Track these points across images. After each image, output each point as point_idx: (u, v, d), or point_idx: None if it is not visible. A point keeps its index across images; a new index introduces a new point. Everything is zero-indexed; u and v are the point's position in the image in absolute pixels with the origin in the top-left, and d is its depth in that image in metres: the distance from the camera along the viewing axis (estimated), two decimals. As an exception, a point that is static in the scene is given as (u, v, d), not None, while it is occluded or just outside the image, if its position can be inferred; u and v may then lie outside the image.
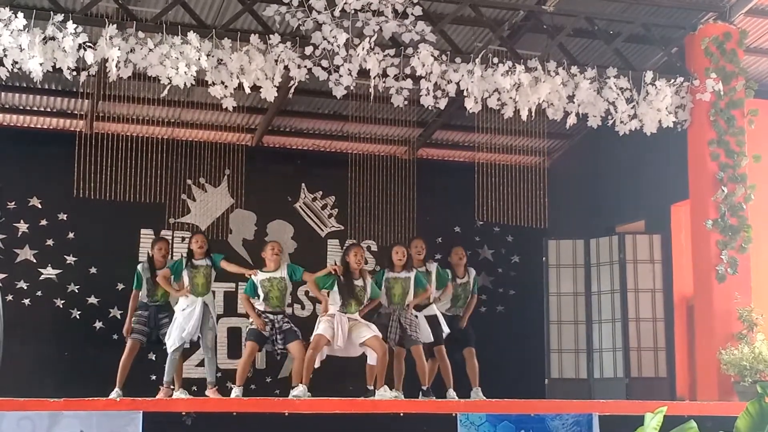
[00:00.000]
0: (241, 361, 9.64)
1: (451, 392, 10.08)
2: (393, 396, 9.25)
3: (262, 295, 9.60)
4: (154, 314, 10.07)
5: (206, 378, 9.94)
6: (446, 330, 10.09)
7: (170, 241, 10.94)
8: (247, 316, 10.08)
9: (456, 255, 10.69)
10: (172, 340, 9.77)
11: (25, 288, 11.85)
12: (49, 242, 12.04)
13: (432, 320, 10.04)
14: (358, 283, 9.55)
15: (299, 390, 9.18)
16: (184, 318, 9.77)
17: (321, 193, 13.14)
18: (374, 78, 9.56)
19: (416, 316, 9.87)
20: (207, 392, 9.77)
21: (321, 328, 9.42)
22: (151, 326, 10.07)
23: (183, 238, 12.28)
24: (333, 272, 9.57)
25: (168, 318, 10.02)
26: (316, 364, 9.38)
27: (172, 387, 9.83)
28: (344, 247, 10.03)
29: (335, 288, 9.52)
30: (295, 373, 9.46)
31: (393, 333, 9.69)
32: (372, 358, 9.43)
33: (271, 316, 9.59)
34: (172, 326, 9.82)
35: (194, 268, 9.86)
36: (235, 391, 9.43)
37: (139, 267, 10.27)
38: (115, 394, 9.68)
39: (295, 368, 9.50)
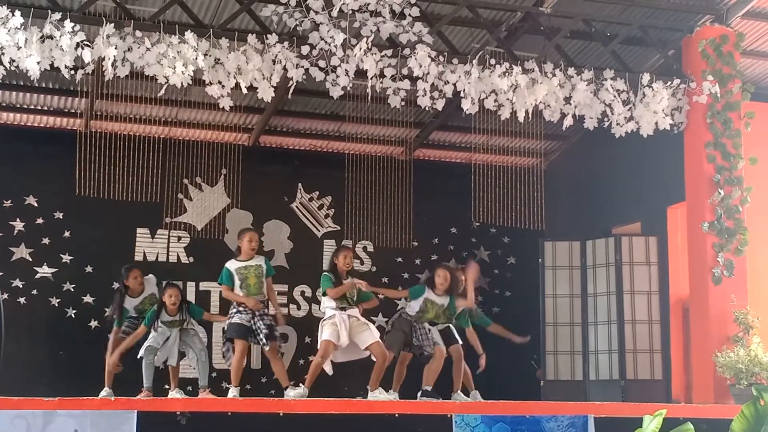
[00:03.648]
0: (234, 360, 9.49)
1: (460, 395, 10.04)
2: (386, 399, 9.19)
3: (238, 283, 9.49)
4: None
5: (199, 381, 9.88)
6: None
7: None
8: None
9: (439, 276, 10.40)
10: (143, 347, 9.71)
11: (21, 286, 11.85)
12: (45, 241, 12.04)
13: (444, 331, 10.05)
14: (346, 283, 9.49)
15: (297, 392, 9.17)
16: (156, 338, 9.71)
17: (317, 193, 13.14)
18: (371, 78, 9.55)
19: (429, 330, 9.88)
20: (200, 394, 9.67)
21: (327, 333, 9.33)
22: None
23: (179, 238, 12.29)
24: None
25: None
26: (329, 371, 9.35)
27: (166, 388, 9.84)
28: (335, 250, 9.96)
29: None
30: (279, 374, 9.49)
31: (417, 339, 9.65)
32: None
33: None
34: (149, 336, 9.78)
35: (167, 325, 9.71)
36: (232, 392, 9.40)
37: (117, 302, 10.05)
38: (106, 392, 9.68)
39: (277, 369, 9.53)
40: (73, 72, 8.93)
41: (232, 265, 9.61)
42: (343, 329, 9.29)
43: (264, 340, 9.40)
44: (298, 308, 12.73)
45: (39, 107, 12.18)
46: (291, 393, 9.19)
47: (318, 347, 9.47)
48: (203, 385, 9.72)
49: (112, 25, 8.94)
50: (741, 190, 10.23)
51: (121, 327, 10.03)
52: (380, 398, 9.12)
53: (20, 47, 8.66)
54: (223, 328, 9.66)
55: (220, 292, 10.86)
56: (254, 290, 9.52)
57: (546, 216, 11.72)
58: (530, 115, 10.00)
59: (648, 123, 10.25)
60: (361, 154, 12.26)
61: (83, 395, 8.16)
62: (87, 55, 8.80)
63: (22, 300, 11.82)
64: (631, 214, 12.17)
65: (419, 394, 9.56)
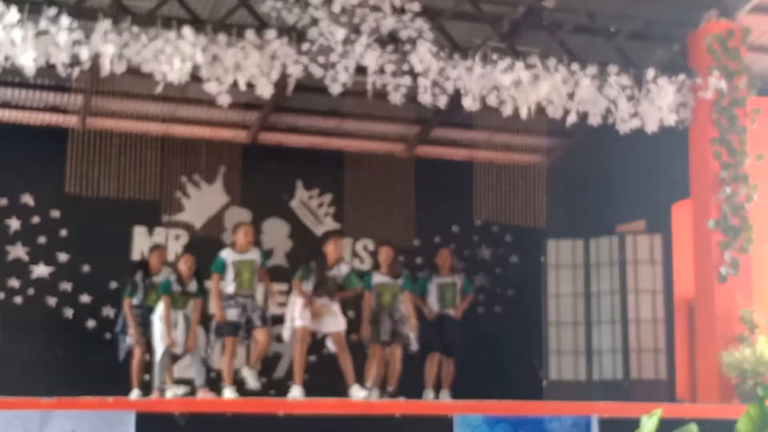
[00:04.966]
0: (224, 359, 9.51)
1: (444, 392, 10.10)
2: (364, 395, 9.24)
3: (232, 275, 9.48)
4: (146, 313, 10.03)
5: (196, 381, 9.82)
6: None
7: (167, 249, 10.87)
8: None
9: (441, 257, 10.73)
10: (158, 347, 9.74)
11: (17, 286, 11.78)
12: (41, 240, 11.97)
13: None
14: (332, 273, 9.52)
15: (295, 391, 9.18)
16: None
17: (317, 191, 13.07)
18: (371, 75, 9.46)
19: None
20: (199, 394, 9.63)
21: (300, 319, 9.37)
22: (145, 323, 10.02)
23: (177, 236, 12.21)
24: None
25: None
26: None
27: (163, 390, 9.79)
28: (324, 235, 10.00)
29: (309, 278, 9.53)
30: (257, 356, 9.56)
31: (385, 330, 9.72)
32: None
33: (241, 300, 9.48)
34: (154, 335, 9.78)
35: (180, 295, 9.78)
36: (228, 391, 9.34)
37: (137, 277, 10.18)
38: (137, 393, 9.73)
39: (258, 353, 9.56)
40: (69, 69, 8.83)
41: (228, 255, 9.60)
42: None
43: (243, 333, 9.47)
44: (298, 307, 12.63)
45: (35, 104, 12.10)
46: (290, 394, 9.18)
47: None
48: (200, 385, 9.67)
49: (109, 21, 8.84)
50: (747, 187, 10.14)
51: (132, 299, 10.09)
52: (359, 396, 9.15)
53: (15, 44, 8.55)
54: (217, 323, 9.59)
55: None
56: (247, 285, 9.53)
57: (549, 214, 11.68)
58: (533, 112, 9.92)
59: (653, 119, 10.16)
60: (362, 152, 12.19)
61: (80, 395, 8.10)
62: (84, 53, 8.71)
63: (18, 299, 11.76)
64: (635, 211, 12.12)
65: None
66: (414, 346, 10.05)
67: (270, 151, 13.09)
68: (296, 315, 9.43)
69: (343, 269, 9.66)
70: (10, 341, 10.97)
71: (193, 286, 9.89)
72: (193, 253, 11.33)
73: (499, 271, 13.46)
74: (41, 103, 12.08)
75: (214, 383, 10.01)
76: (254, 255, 9.63)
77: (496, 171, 11.58)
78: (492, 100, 9.81)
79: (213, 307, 9.75)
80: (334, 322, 9.45)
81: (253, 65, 9.20)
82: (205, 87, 9.23)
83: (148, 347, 10.02)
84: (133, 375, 9.96)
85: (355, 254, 12.76)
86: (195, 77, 9.22)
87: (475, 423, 8.41)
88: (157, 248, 10.50)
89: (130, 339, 10.07)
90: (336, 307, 9.54)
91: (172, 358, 10.00)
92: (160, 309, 9.83)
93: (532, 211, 11.66)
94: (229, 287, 9.51)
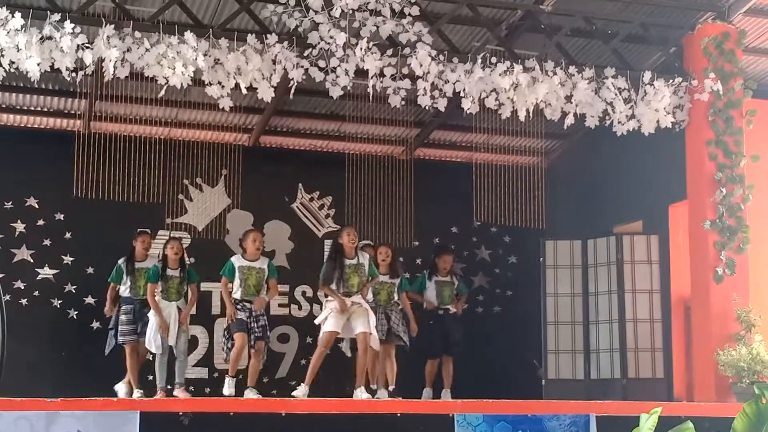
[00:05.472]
0: (233, 353, 9.56)
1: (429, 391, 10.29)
2: (367, 397, 9.27)
3: (239, 281, 9.57)
4: (139, 308, 10.10)
5: (176, 379, 9.88)
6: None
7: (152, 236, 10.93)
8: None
9: (443, 261, 10.91)
10: (157, 345, 9.77)
11: (23, 288, 11.85)
12: (47, 242, 12.04)
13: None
14: (353, 262, 9.52)
15: (299, 391, 9.22)
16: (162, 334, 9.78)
17: (318, 193, 13.13)
18: (371, 78, 9.54)
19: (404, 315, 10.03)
20: (176, 392, 9.68)
21: (329, 324, 9.40)
22: (137, 319, 10.08)
23: (180, 238, 12.29)
24: None
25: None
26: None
27: (169, 388, 9.84)
28: (338, 230, 10.06)
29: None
30: (252, 373, 9.56)
31: (380, 326, 9.83)
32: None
33: (248, 305, 9.58)
34: (151, 331, 9.79)
35: (168, 280, 9.84)
36: (228, 382, 9.43)
37: (120, 261, 10.30)
38: (138, 393, 9.78)
39: (252, 366, 9.58)
40: (73, 74, 8.92)
41: (236, 261, 9.72)
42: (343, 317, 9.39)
43: (253, 341, 9.52)
44: (299, 308, 12.72)
45: (39, 109, 12.18)
46: (295, 393, 9.22)
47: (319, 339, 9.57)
48: (179, 383, 9.75)
49: (112, 26, 8.93)
50: (743, 188, 10.20)
51: (118, 282, 10.22)
52: (361, 398, 9.16)
53: (20, 49, 8.63)
54: (228, 323, 9.69)
55: (220, 292, 10.94)
56: (252, 291, 9.63)
57: (547, 215, 11.71)
58: (531, 114, 9.98)
59: (649, 121, 10.22)
60: (362, 154, 12.25)
61: (85, 396, 8.16)
62: (88, 58, 8.78)
63: (23, 301, 11.82)
64: (632, 212, 12.15)
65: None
66: (407, 342, 10.14)
67: (271, 153, 13.17)
68: (327, 320, 9.44)
69: (361, 259, 9.62)
70: (16, 342, 10.95)
71: (177, 272, 9.90)
72: (195, 255, 11.50)
73: (498, 271, 13.53)
74: (46, 108, 12.19)
75: (215, 384, 10.08)
76: (262, 264, 9.72)
77: (495, 173, 11.62)
78: (491, 103, 9.87)
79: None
80: (363, 322, 9.41)
81: (254, 69, 9.27)
82: (207, 91, 9.30)
83: (138, 345, 10.05)
84: (132, 376, 9.99)
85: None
86: (197, 81, 9.30)
87: (475, 422, 8.47)
88: (142, 234, 10.49)
89: (122, 338, 10.09)
90: (367, 305, 9.53)
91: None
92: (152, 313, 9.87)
93: (530, 212, 11.71)
94: (236, 293, 9.61)
